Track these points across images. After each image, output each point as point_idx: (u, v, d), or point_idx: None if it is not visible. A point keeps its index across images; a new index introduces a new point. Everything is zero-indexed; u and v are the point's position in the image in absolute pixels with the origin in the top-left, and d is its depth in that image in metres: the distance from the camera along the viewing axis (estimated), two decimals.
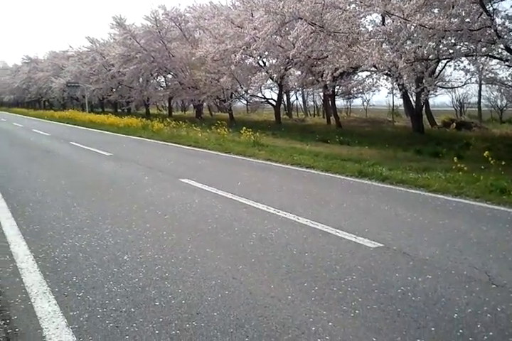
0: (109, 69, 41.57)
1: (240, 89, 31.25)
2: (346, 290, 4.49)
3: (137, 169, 12.27)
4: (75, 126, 30.52)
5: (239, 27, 26.38)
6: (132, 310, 4.10)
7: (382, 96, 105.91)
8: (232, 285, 4.59)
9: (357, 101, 46.95)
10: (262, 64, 29.59)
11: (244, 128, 18.92)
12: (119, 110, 50.54)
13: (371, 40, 15.29)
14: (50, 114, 42.73)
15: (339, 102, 39.56)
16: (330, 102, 31.04)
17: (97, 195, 8.93)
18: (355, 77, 29.49)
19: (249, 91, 29.39)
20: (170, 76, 39.40)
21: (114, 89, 44.91)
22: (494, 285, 4.58)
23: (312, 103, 52.53)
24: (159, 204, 8.06)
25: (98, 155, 15.24)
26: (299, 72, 32.22)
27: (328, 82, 19.65)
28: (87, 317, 3.97)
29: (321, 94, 40.08)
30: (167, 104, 48.19)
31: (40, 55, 64.95)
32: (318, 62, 23.18)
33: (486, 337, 3.61)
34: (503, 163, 10.12)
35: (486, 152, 10.45)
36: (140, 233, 6.34)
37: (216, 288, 4.54)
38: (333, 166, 12.29)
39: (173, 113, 46.62)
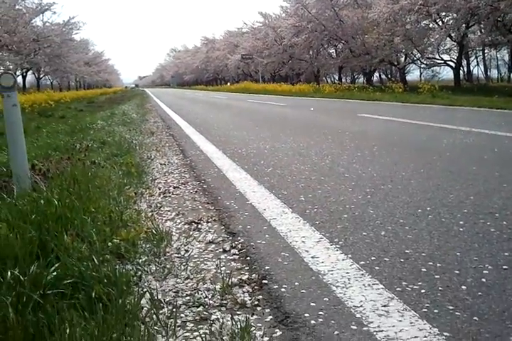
0: (281, 43, 42.24)
1: (414, 51, 29.59)
2: None
3: (311, 112, 12.29)
4: (250, 95, 31.71)
5: None
6: (322, 178, 3.96)
7: None
8: (421, 176, 4.21)
9: None
10: (441, 23, 27.66)
11: (421, 84, 17.87)
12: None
13: None
14: (226, 87, 45.09)
15: None
16: None
17: (275, 124, 9.04)
18: None
19: (424, 53, 27.75)
20: (340, 46, 38.87)
21: (285, 63, 45.64)
22: None
23: (495, 71, 47.91)
24: (338, 127, 7.89)
25: (272, 106, 15.61)
26: (480, 32, 29.51)
27: None
28: (276, 181, 3.92)
29: (506, 58, 36.46)
30: (336, 78, 47.76)
31: (216, 35, 68.56)
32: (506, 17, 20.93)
33: None
34: None
35: None
36: (321, 141, 6.23)
37: (407, 172, 4.22)
38: None
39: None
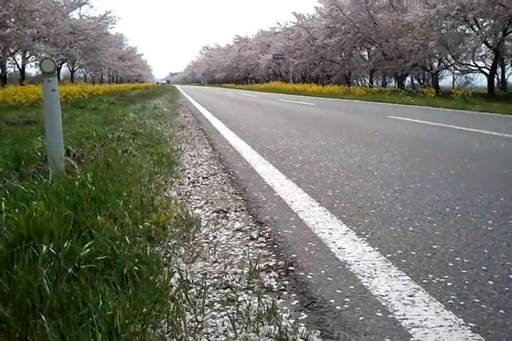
0: (313, 44, 42.07)
1: (449, 57, 29.19)
2: None
3: (340, 112, 12.25)
4: (279, 94, 31.74)
5: None
6: (350, 175, 3.97)
7: None
8: (451, 177, 4.19)
9: None
10: (477, 29, 27.22)
11: (454, 89, 17.63)
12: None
13: None
14: (256, 86, 45.18)
15: None
16: None
17: (305, 123, 9.06)
18: None
19: (458, 59, 27.38)
20: (373, 48, 38.55)
21: (316, 64, 45.48)
22: None
23: None
24: (368, 128, 7.86)
25: (302, 105, 15.61)
26: None
27: None
28: (304, 176, 3.95)
29: None
30: (367, 81, 47.37)
31: (249, 35, 68.66)
32: None
33: None
34: None
35: None
36: (351, 140, 6.24)
37: (437, 173, 4.20)
38: None
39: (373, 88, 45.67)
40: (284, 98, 21.79)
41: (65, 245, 1.99)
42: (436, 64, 31.92)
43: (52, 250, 1.94)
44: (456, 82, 49.56)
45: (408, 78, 43.94)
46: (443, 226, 2.57)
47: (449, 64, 31.71)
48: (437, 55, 29.07)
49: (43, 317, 1.50)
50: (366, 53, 42.12)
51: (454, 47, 27.44)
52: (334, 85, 31.97)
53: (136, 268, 1.87)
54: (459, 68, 30.72)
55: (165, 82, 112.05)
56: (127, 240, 2.12)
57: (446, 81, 47.24)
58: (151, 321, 1.59)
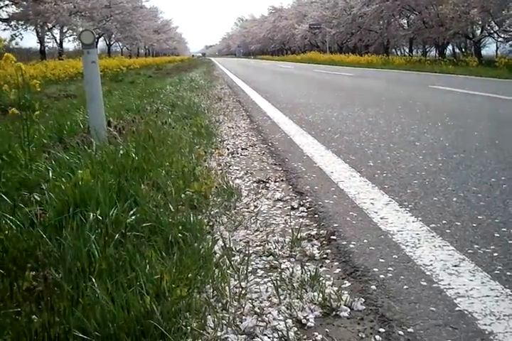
0: (350, 12, 41.05)
1: (492, 24, 28.06)
2: None
3: (379, 82, 12.00)
4: (316, 65, 31.27)
5: None
6: (391, 145, 3.91)
7: None
8: (495, 147, 4.07)
9: None
10: None
11: (498, 58, 17.00)
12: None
13: None
14: (292, 57, 44.65)
15: None
16: None
17: (343, 93, 8.92)
18: None
19: (503, 26, 26.28)
20: (412, 16, 37.36)
21: (353, 34, 44.43)
22: None
23: None
24: (409, 97, 7.69)
25: (339, 76, 15.37)
26: None
27: None
28: (344, 147, 3.90)
29: None
30: (406, 50, 46.08)
31: (284, 5, 67.54)
32: None
33: None
34: None
35: None
36: (391, 110, 6.12)
37: (481, 143, 4.09)
38: None
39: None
40: (320, 69, 21.46)
41: (111, 212, 2.04)
42: (478, 31, 30.71)
43: (99, 217, 1.99)
44: (499, 51, 47.64)
45: (449, 47, 42.49)
46: (488, 197, 2.52)
47: (492, 31, 30.47)
48: (480, 22, 27.94)
49: (93, 280, 1.55)
50: (405, 22, 40.83)
51: (498, 14, 26.28)
52: (372, 55, 31.24)
53: (180, 235, 1.91)
54: (503, 36, 29.48)
55: (200, 54, 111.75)
56: (171, 208, 2.16)
57: (488, 49, 45.50)
58: (197, 286, 1.62)
